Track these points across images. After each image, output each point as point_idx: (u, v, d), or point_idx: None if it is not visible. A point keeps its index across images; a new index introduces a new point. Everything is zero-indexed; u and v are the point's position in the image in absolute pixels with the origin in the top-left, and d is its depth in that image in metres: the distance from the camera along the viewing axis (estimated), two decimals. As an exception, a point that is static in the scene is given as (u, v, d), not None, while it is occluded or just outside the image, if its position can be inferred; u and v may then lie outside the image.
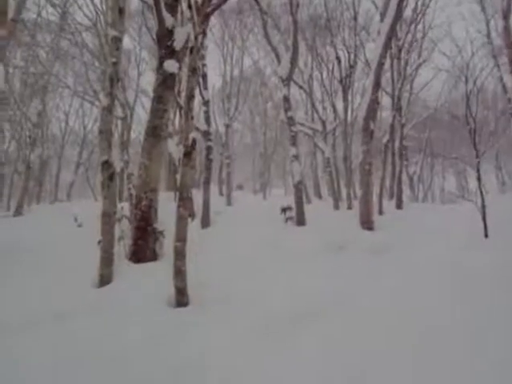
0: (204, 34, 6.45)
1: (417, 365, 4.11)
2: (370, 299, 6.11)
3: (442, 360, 4.19)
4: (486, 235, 10.70)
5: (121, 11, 8.04)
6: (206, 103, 16.96)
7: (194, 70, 6.37)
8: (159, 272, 7.29)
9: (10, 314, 5.74)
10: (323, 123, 25.35)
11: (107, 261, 7.33)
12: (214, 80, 38.06)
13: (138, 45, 31.51)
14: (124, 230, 8.90)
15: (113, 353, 4.56)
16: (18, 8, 9.97)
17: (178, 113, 22.73)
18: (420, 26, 23.34)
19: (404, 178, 25.14)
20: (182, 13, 11.32)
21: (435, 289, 6.44)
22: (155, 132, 9.15)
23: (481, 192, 11.11)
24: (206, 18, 6.66)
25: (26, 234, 12.53)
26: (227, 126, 32.50)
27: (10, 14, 9.64)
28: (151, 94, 10.15)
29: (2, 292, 6.90)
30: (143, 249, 8.71)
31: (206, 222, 14.99)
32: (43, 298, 6.45)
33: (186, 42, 9.09)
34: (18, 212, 21.39)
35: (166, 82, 9.24)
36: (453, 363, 4.13)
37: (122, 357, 4.47)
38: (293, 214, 14.98)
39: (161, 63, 9.28)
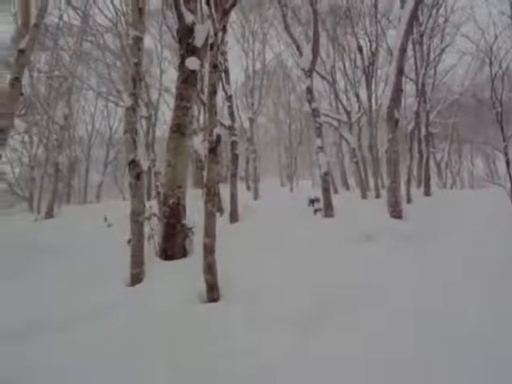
0: (224, 30, 6.47)
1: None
2: (400, 294, 6.02)
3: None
4: (517, 219, 10.62)
5: (141, 11, 8.09)
6: (229, 98, 17.00)
7: (215, 67, 6.39)
8: (190, 268, 7.34)
9: (46, 313, 5.84)
10: (348, 113, 25.26)
11: (138, 259, 7.40)
12: (237, 75, 38.14)
13: (159, 43, 31.70)
14: (153, 227, 8.98)
15: (146, 348, 4.62)
16: (40, 13, 10.09)
17: (201, 109, 22.83)
18: (442, 10, 23.08)
19: (431, 165, 24.93)
20: (201, 10, 11.38)
21: (467, 284, 6.24)
22: (180, 129, 9.20)
23: (510, 176, 10.99)
24: (225, 14, 6.66)
25: (59, 235, 12.73)
26: (251, 120, 32.49)
27: (33, 20, 9.79)
28: (174, 92, 10.21)
29: (38, 292, 7.03)
30: (173, 246, 8.79)
31: (234, 217, 15.03)
32: (78, 297, 6.54)
33: (207, 38, 9.13)
34: (49, 214, 21.69)
35: (188, 79, 9.29)
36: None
37: (156, 352, 4.53)
38: (321, 205, 14.94)
39: (182, 61, 9.33)
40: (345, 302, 5.76)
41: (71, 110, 28.29)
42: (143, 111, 25.04)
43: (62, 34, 22.53)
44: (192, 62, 9.18)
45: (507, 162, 11.38)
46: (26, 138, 31.92)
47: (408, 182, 18.36)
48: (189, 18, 9.23)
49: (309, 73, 15.73)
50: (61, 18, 21.93)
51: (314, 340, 4.69)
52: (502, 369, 3.82)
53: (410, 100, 28.66)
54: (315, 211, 15.05)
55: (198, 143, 19.00)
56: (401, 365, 4.00)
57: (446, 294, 5.74)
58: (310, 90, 15.76)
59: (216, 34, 6.32)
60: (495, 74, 12.43)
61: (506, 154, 11.52)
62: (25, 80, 22.76)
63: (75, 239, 11.48)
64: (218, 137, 6.31)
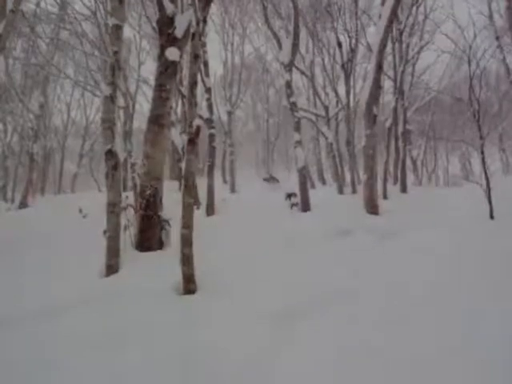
0: (205, 21, 6.42)
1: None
2: (379, 290, 6.00)
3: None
4: (492, 217, 10.70)
5: (121, -1, 7.99)
6: (208, 90, 16.92)
7: (196, 57, 6.32)
8: (166, 260, 7.29)
9: (16, 306, 5.74)
10: (326, 108, 25.30)
11: (113, 250, 7.31)
12: (216, 68, 38.02)
13: (138, 34, 31.44)
14: (129, 219, 8.89)
15: (121, 340, 4.56)
16: (17, -1, 9.90)
17: (180, 101, 22.69)
18: (421, 8, 23.25)
19: (408, 162, 25.07)
20: (182, 0, 11.28)
21: (446, 280, 6.26)
22: (158, 121, 9.11)
23: (485, 174, 11.08)
24: (207, 3, 6.60)
25: (32, 225, 12.57)
26: (230, 114, 32.39)
27: (10, 5, 9.61)
28: (152, 83, 10.11)
29: (10, 284, 6.91)
30: (149, 238, 8.71)
31: (211, 210, 14.98)
32: (50, 289, 6.44)
33: (187, 29, 9.07)
34: (23, 204, 21.46)
35: (167, 70, 9.19)
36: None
37: (131, 344, 4.47)
38: (297, 199, 14.94)
39: (162, 51, 9.24)
40: (320, 298, 5.74)
41: (47, 99, 27.97)
42: (121, 101, 24.85)
43: (39, 21, 22.13)
44: (172, 53, 9.09)
45: (483, 160, 11.46)
46: (1, 126, 31.53)
47: (384, 179, 18.46)
48: (169, 7, 9.15)
49: (288, 67, 15.72)
50: (38, 4, 21.56)
51: (288, 335, 4.67)
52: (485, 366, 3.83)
53: (388, 97, 28.81)
54: (292, 206, 15.04)
55: (176, 135, 18.87)
56: (373, 363, 3.99)
57: (423, 292, 5.74)
58: (289, 85, 15.76)
59: (198, 24, 6.25)
60: (473, 73, 12.50)
61: (482, 153, 11.60)
62: (0, 67, 22.49)
63: (49, 229, 11.32)
64: (198, 128, 6.25)
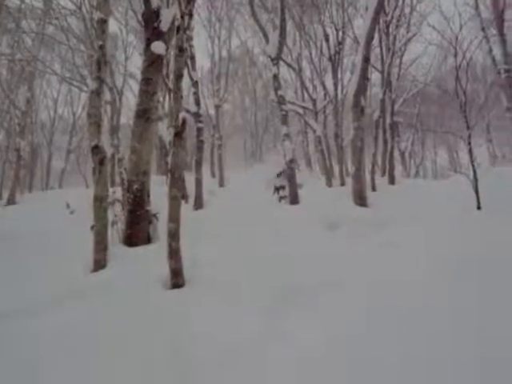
0: (191, 14, 6.39)
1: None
2: (365, 281, 6.01)
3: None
4: (479, 207, 10.76)
5: (105, -7, 7.94)
6: (195, 84, 16.88)
7: (181, 50, 6.30)
8: (154, 254, 7.28)
9: (3, 302, 5.71)
10: (313, 101, 25.30)
11: (101, 245, 7.30)
12: (203, 62, 37.90)
13: (124, 28, 31.30)
14: (117, 214, 8.88)
15: (111, 336, 4.55)
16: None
17: (167, 95, 22.63)
18: (408, 0, 23.21)
19: (396, 154, 25.09)
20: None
21: (434, 269, 6.30)
22: (145, 115, 9.09)
23: (473, 165, 11.14)
24: (191, -3, 6.58)
25: (20, 221, 12.52)
26: (217, 107, 32.33)
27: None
28: (139, 78, 10.08)
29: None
30: (137, 232, 8.70)
31: (199, 204, 14.96)
32: (38, 284, 6.43)
33: (173, 22, 9.04)
34: (11, 201, 21.35)
35: (153, 63, 9.17)
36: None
37: (121, 340, 4.45)
38: (286, 192, 14.96)
39: (148, 45, 9.22)
40: (306, 289, 5.75)
41: (33, 95, 27.82)
42: (107, 96, 24.74)
43: (24, 16, 21.95)
44: (158, 47, 9.07)
45: (470, 151, 11.52)
46: (-14, 122, 31.35)
47: (372, 171, 18.49)
48: (154, 1, 9.12)
49: (275, 60, 15.72)
50: (23, 0, 21.42)
51: (276, 326, 4.68)
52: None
53: (375, 89, 28.81)
54: (280, 199, 15.05)
55: (163, 129, 18.83)
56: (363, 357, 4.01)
57: (410, 282, 5.75)
58: (276, 78, 15.75)
59: (182, 17, 6.23)
60: (460, 64, 12.53)
61: (469, 143, 11.65)
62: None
63: (37, 226, 11.29)
64: (184, 121, 6.24)
